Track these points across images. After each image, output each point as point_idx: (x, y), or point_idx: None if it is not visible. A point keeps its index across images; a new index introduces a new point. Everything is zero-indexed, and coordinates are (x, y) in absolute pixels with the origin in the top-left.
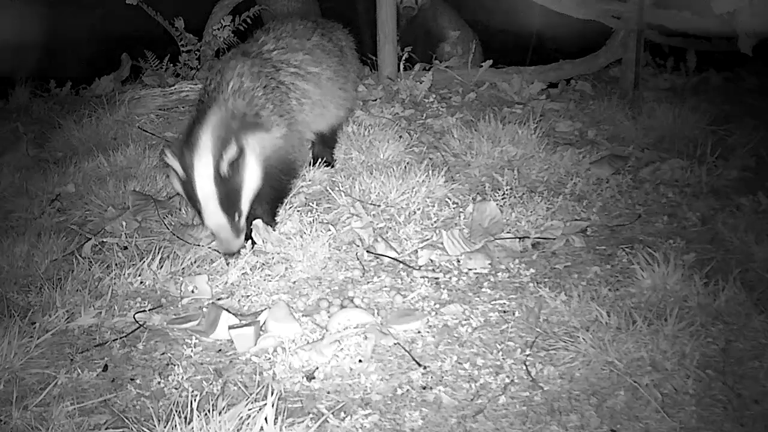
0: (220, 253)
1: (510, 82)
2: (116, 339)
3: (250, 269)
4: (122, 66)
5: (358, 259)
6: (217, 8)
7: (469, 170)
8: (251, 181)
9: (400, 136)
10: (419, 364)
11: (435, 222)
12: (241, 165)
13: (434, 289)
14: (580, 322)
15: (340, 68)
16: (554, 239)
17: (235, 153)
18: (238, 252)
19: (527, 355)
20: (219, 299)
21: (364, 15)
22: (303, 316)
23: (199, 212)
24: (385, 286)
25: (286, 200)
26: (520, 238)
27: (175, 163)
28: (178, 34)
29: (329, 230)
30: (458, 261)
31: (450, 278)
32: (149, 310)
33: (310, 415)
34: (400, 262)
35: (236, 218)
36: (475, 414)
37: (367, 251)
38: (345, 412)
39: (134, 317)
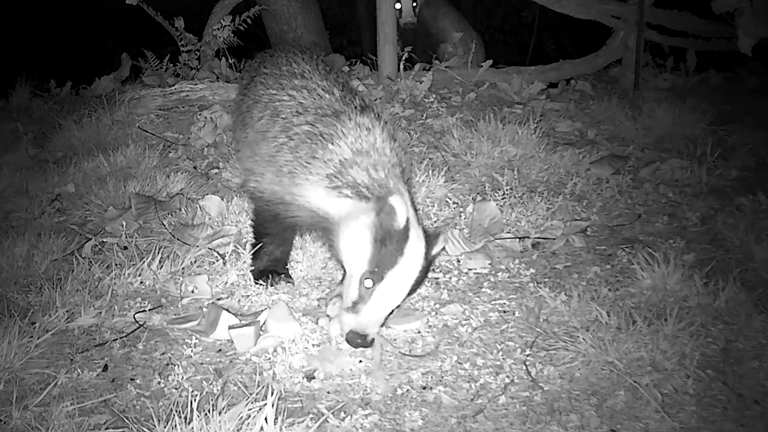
0: (346, 337)
1: (510, 82)
2: (116, 339)
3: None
4: (122, 66)
5: None
6: (217, 8)
7: (469, 170)
8: None
9: None
10: (417, 356)
11: (435, 222)
12: None
13: (434, 289)
14: (580, 322)
15: None
16: (554, 239)
17: None
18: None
19: (527, 355)
20: (219, 299)
21: (364, 15)
22: (303, 316)
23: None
24: None
25: None
26: (520, 238)
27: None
28: (178, 34)
29: None
30: (458, 261)
31: (450, 278)
32: (149, 310)
33: (310, 415)
34: None
35: None
36: (475, 414)
37: None
38: (345, 412)
39: (134, 317)
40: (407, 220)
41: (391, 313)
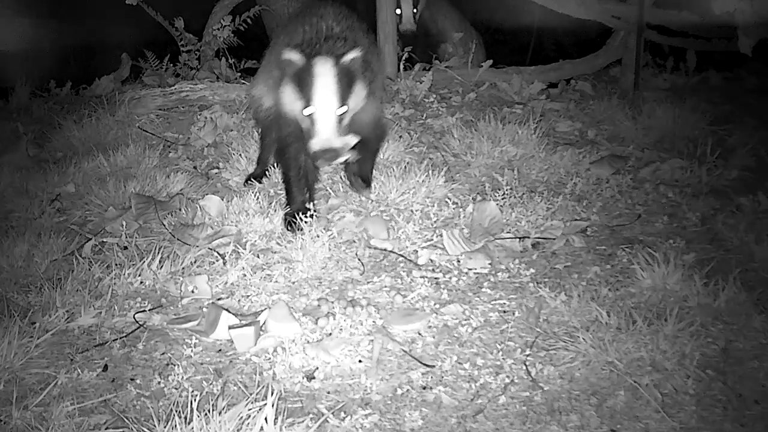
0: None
1: (510, 82)
2: (116, 339)
3: (251, 269)
4: (122, 66)
5: (357, 258)
6: (217, 8)
7: (469, 170)
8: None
9: (400, 136)
10: (425, 365)
11: (435, 222)
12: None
13: (434, 289)
14: (580, 322)
15: None
16: (554, 239)
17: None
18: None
19: (527, 355)
20: (219, 299)
21: (364, 15)
22: (303, 316)
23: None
24: (385, 286)
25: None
26: (520, 238)
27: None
28: (178, 34)
29: (329, 230)
30: (458, 261)
31: (450, 278)
32: (149, 310)
33: (310, 415)
34: (400, 255)
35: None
36: (475, 414)
37: (368, 247)
38: (345, 412)
39: (134, 317)
40: (300, 55)
41: (345, 124)
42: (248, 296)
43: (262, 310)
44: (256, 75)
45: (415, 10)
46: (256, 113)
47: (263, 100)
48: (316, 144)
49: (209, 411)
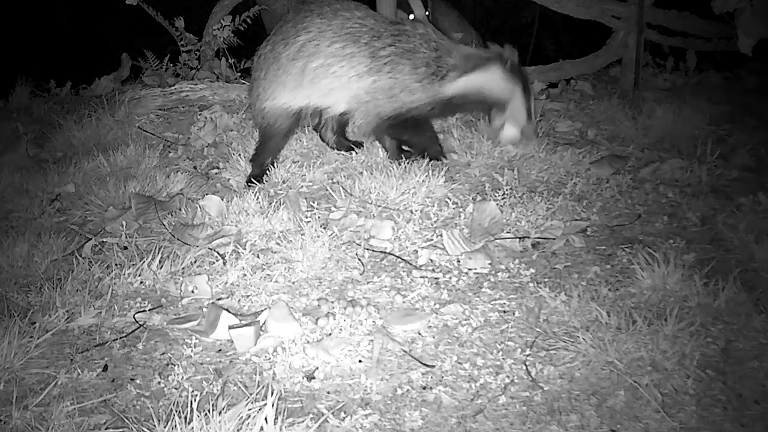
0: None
1: None
2: (116, 339)
3: (251, 269)
4: (122, 66)
5: (357, 258)
6: (217, 8)
7: (469, 170)
8: None
9: None
10: (426, 365)
11: (435, 222)
12: None
13: (434, 289)
14: (580, 322)
15: None
16: (554, 239)
17: None
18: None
19: (527, 355)
20: (219, 299)
21: None
22: (303, 316)
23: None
24: (385, 286)
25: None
26: (520, 238)
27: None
28: (178, 34)
29: (329, 230)
30: (458, 261)
31: (450, 278)
32: (149, 310)
33: (310, 415)
34: (397, 256)
35: None
36: (475, 414)
37: (367, 249)
38: (345, 412)
39: (134, 317)
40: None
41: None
42: (248, 296)
43: (262, 310)
44: (276, 81)
45: (427, 13)
46: (278, 122)
47: (291, 105)
48: (530, 127)
49: (209, 411)
